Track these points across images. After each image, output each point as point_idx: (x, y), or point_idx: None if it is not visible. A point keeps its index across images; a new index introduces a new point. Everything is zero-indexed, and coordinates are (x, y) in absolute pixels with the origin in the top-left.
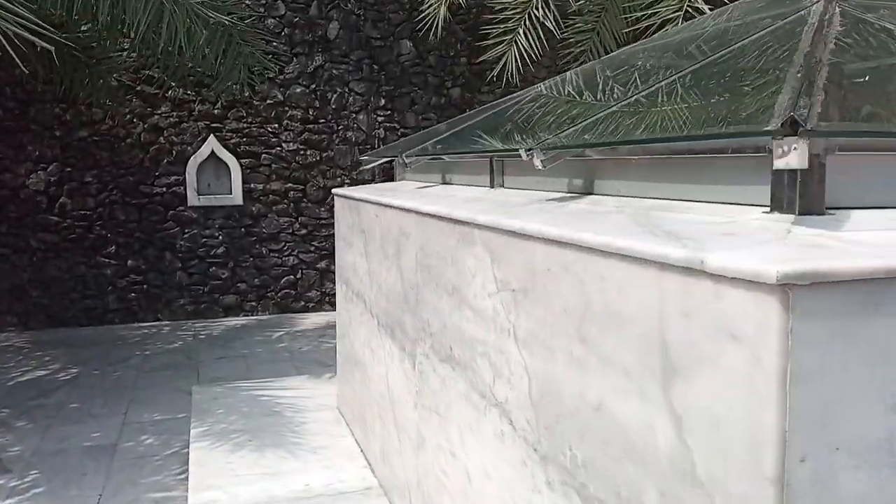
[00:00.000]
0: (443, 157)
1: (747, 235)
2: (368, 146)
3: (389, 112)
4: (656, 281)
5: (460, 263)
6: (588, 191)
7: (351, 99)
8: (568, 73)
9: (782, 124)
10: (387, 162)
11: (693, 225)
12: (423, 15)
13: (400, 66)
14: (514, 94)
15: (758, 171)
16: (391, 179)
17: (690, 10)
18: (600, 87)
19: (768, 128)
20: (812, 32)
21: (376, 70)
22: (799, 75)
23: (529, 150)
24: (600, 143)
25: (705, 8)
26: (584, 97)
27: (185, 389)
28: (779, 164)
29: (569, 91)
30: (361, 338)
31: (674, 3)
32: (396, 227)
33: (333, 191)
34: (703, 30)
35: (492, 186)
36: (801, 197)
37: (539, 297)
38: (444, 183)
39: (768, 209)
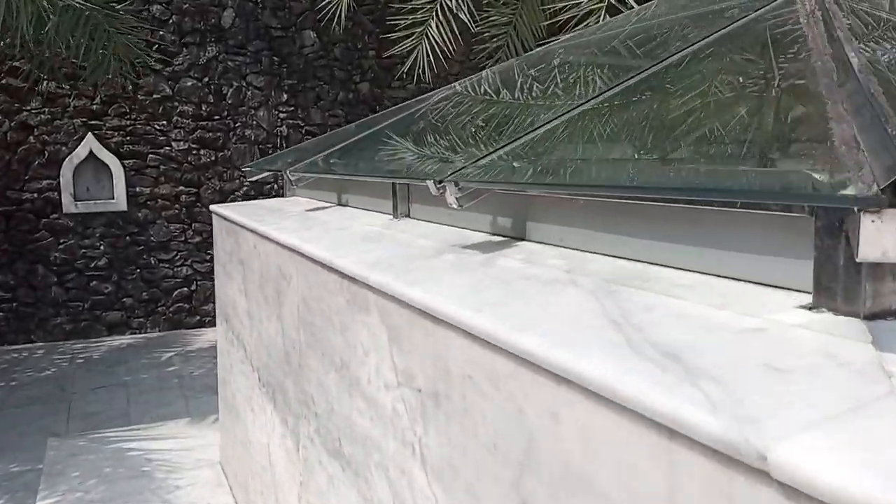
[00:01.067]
0: (334, 176)
1: (818, 378)
2: (270, 145)
3: (292, 108)
4: (664, 453)
5: (350, 333)
6: (519, 235)
7: (249, 93)
8: (492, 69)
9: (883, 189)
10: (272, 174)
11: (704, 334)
12: (327, 4)
13: (303, 59)
14: (426, 96)
15: (785, 234)
16: None
17: (614, 2)
18: (534, 90)
19: (847, 192)
20: (818, 24)
21: (277, 62)
22: (856, 92)
23: (441, 182)
24: (543, 184)
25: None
26: (513, 103)
27: (52, 430)
28: (869, 252)
29: (492, 93)
30: (243, 391)
31: None
32: (276, 266)
33: (212, 208)
34: (655, 20)
35: (395, 216)
36: (871, 292)
37: (457, 413)
38: (341, 204)
39: (809, 304)
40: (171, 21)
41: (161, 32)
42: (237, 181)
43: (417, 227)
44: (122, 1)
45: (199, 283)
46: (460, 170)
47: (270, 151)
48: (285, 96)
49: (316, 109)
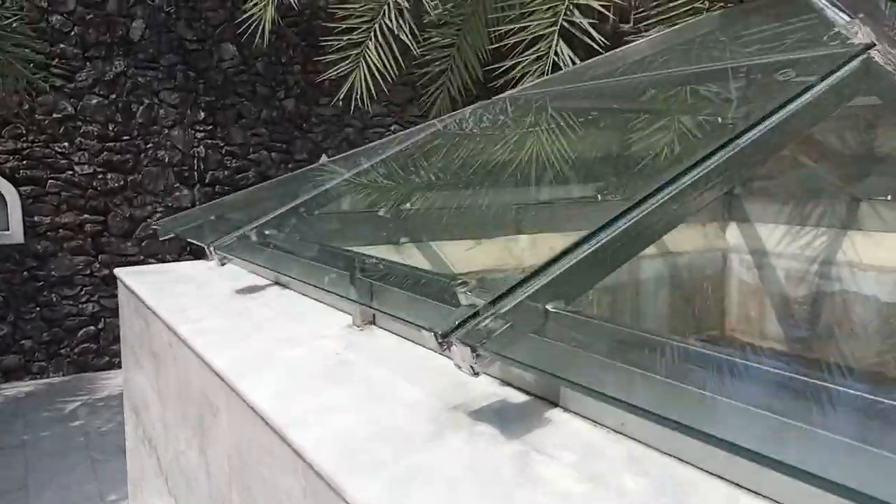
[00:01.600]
0: (271, 257)
1: None
2: (186, 167)
3: (211, 127)
4: None
5: None
6: (550, 396)
7: (162, 112)
8: (500, 102)
9: None
10: (190, 232)
11: None
12: (248, 14)
13: (222, 74)
14: (393, 138)
15: None
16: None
17: (566, 26)
18: (584, 161)
19: None
20: None
21: (193, 78)
22: None
23: (446, 336)
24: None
25: (584, 23)
26: (541, 176)
27: None
28: None
29: (503, 154)
30: None
31: (546, 16)
32: (199, 388)
33: (116, 272)
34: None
35: (356, 324)
36: None
37: None
38: (280, 283)
39: None
40: (73, 33)
41: (62, 46)
42: (149, 207)
43: (392, 351)
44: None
45: (107, 320)
46: (474, 319)
47: (186, 174)
48: (202, 114)
49: (237, 128)
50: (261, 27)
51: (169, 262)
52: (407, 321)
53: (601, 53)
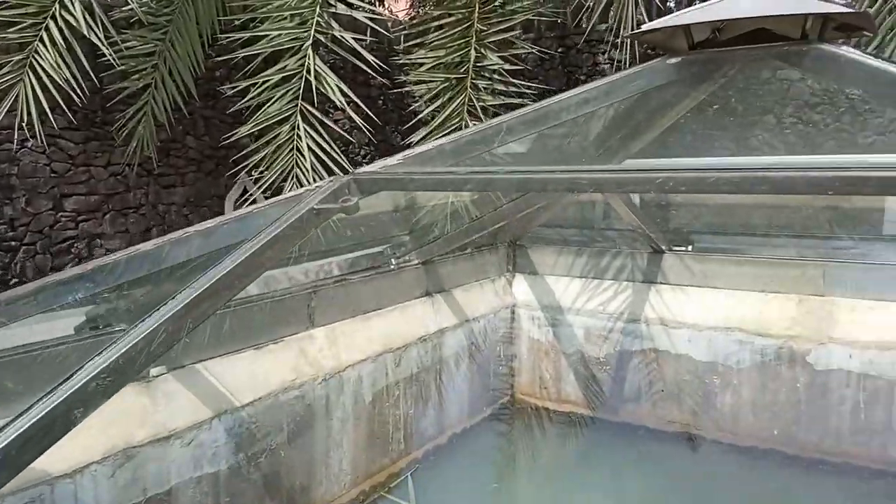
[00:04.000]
0: None
1: None
2: None
3: None
4: None
5: None
6: None
7: None
8: None
9: None
10: None
11: None
12: None
13: None
14: None
15: None
16: None
17: (322, 40)
18: None
19: None
20: None
21: None
22: None
23: None
24: None
25: (348, 38)
26: None
27: None
28: None
29: None
30: None
31: (295, 27)
32: None
33: None
34: None
35: None
36: None
37: None
38: None
39: None
40: None
41: None
42: None
43: None
44: None
45: None
46: None
47: None
48: None
49: None
50: None
51: None
52: None
53: (374, 77)
